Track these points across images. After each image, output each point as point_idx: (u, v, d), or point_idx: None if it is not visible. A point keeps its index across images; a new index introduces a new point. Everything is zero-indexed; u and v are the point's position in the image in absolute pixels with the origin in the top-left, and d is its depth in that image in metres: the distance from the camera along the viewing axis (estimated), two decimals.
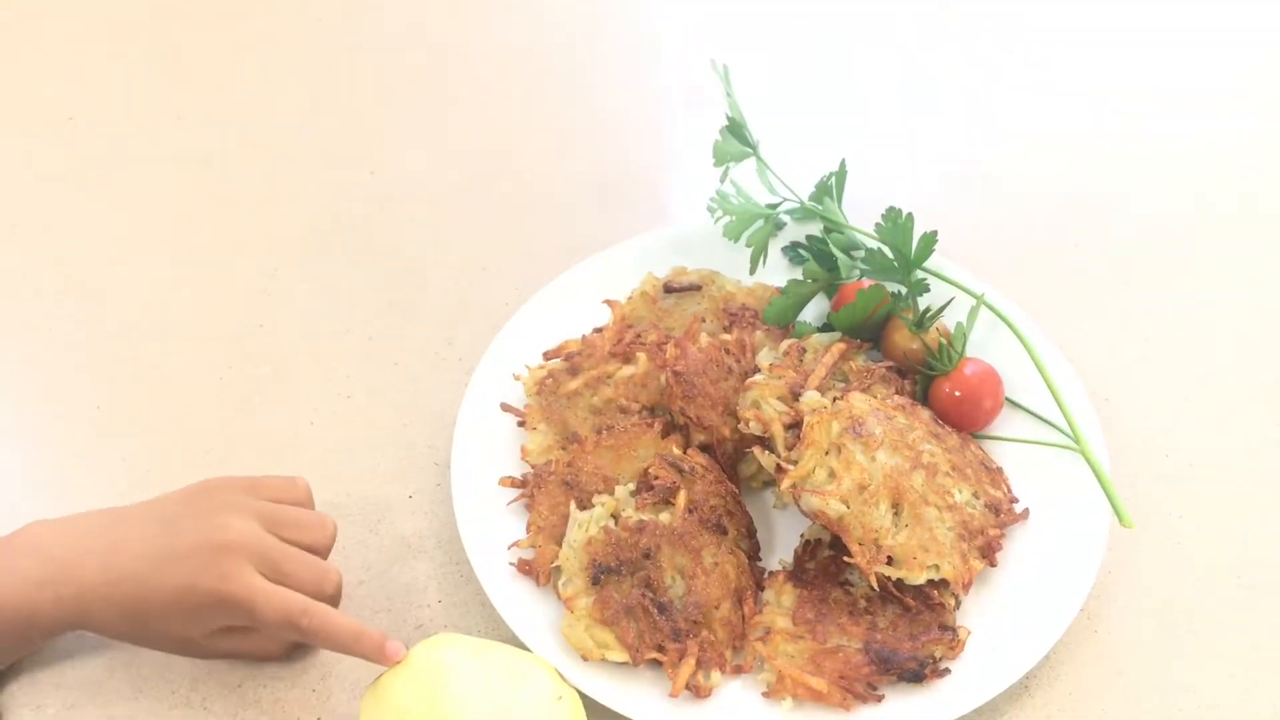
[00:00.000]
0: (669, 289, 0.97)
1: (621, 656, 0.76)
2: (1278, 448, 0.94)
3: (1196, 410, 0.97)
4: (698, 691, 0.75)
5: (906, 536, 0.78)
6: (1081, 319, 1.03)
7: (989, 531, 0.82)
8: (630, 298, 0.97)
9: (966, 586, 0.79)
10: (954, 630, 0.78)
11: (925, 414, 0.87)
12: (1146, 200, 1.15)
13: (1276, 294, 1.06)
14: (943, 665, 0.77)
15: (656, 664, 0.77)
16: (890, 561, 0.77)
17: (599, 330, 0.96)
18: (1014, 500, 0.86)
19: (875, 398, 0.86)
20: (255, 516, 0.77)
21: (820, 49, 1.35)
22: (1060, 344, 0.96)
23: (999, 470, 0.88)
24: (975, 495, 0.84)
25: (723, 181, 0.98)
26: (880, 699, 0.75)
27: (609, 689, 0.75)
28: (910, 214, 0.90)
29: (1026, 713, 0.79)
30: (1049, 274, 1.07)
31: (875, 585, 0.77)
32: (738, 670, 0.78)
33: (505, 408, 0.91)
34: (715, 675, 0.76)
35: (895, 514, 0.79)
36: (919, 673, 0.75)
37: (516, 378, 0.92)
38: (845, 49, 1.35)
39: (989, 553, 0.81)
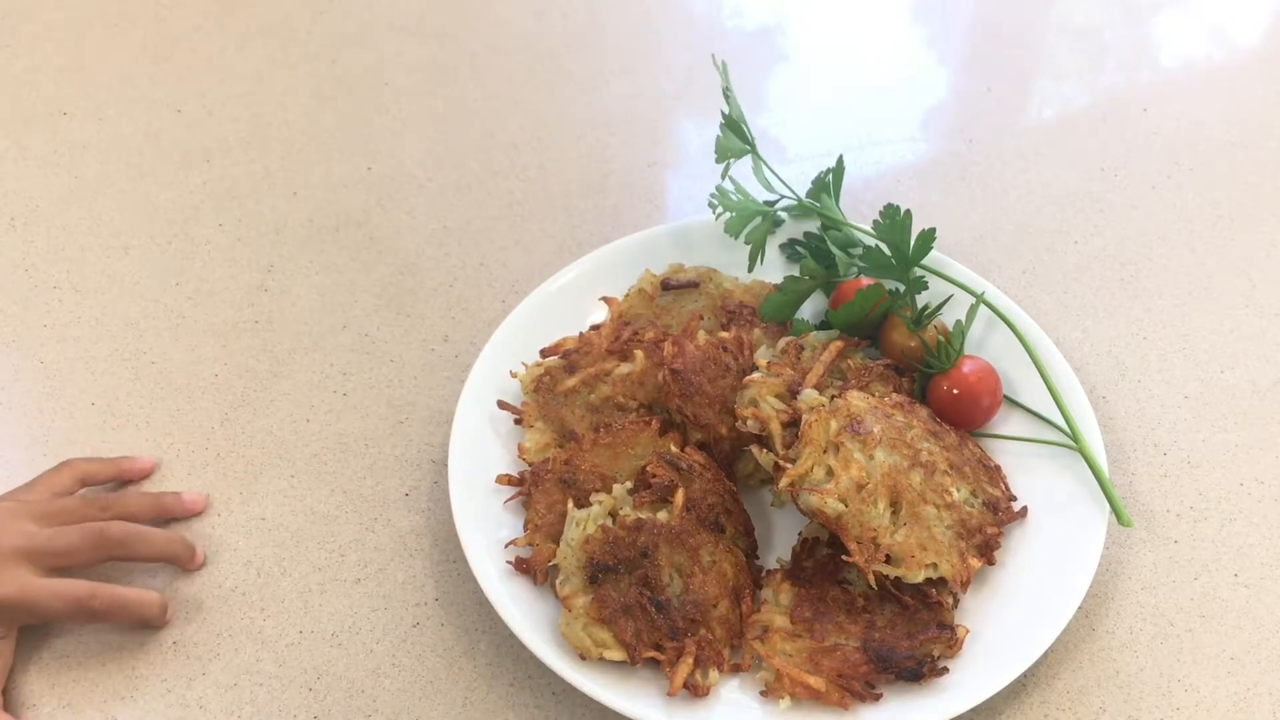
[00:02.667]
0: (666, 286, 0.97)
1: (619, 655, 0.75)
2: (1275, 446, 0.94)
3: (1194, 409, 0.97)
4: (695, 690, 0.75)
5: (904, 535, 0.77)
6: (1080, 317, 1.03)
7: (987, 530, 0.82)
8: (628, 295, 0.97)
9: (965, 585, 0.79)
10: (952, 629, 0.77)
11: (923, 412, 0.87)
12: (1146, 199, 1.15)
13: (1275, 293, 1.06)
14: (941, 664, 0.77)
15: (654, 663, 0.76)
16: (888, 560, 0.77)
17: (596, 328, 0.95)
18: (1012, 498, 0.86)
19: (873, 396, 0.85)
20: (27, 516, 0.82)
21: (820, 47, 1.35)
22: (1058, 342, 0.96)
23: (997, 468, 0.87)
24: (974, 493, 0.83)
25: (724, 178, 0.98)
26: (878, 697, 0.75)
27: (607, 688, 0.75)
28: (909, 211, 0.90)
29: (1024, 711, 0.79)
30: (1047, 272, 1.07)
31: (873, 584, 0.77)
32: (736, 669, 0.78)
33: (502, 405, 0.90)
34: (713, 674, 0.76)
35: (893, 512, 0.78)
36: (917, 671, 0.75)
37: (514, 375, 0.91)
38: (845, 47, 1.35)
39: (987, 551, 0.81)
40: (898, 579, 0.78)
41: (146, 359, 1.00)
